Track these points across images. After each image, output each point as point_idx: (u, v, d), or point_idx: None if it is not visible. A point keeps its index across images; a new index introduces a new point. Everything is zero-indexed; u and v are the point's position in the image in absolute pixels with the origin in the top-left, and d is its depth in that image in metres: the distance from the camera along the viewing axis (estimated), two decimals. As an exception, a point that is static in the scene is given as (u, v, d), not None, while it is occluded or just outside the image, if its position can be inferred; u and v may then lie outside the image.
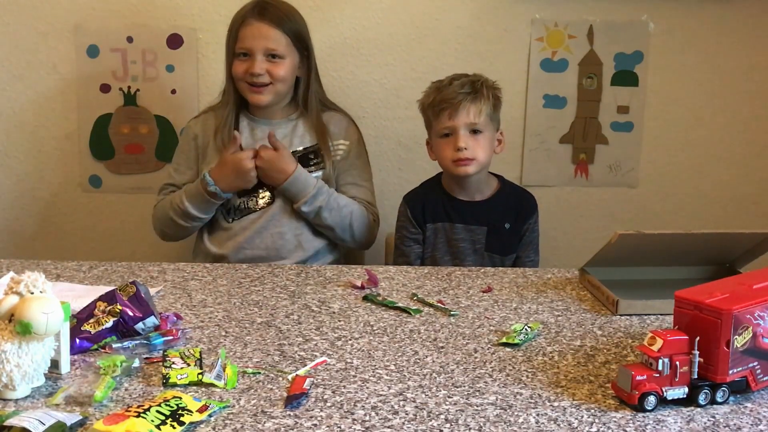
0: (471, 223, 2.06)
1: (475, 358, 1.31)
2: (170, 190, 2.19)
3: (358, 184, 2.19)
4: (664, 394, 1.12)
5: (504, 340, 1.37)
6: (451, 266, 2.06)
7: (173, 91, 2.45)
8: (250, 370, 1.24)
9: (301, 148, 2.15)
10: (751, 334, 1.14)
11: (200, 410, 1.07)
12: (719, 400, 1.14)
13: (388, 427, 1.07)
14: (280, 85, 2.10)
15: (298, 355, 1.30)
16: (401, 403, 1.14)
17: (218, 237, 2.16)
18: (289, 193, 2.09)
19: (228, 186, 2.07)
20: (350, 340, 1.37)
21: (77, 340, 1.29)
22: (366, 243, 2.19)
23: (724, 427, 1.09)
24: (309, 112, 2.17)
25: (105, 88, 2.44)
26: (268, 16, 2.07)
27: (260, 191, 2.13)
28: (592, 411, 1.13)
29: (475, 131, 2.00)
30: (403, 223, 2.11)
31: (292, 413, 1.10)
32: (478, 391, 1.18)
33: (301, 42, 2.12)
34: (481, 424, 1.08)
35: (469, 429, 1.07)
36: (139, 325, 1.33)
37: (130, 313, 1.33)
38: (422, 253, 2.10)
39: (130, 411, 1.02)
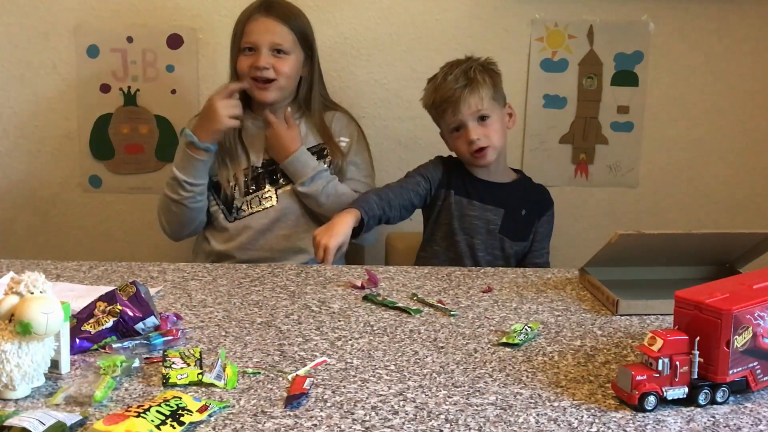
0: (488, 203, 2.07)
1: (475, 358, 1.31)
2: None
3: (358, 180, 2.19)
4: (664, 394, 1.12)
5: (504, 340, 1.37)
6: (464, 243, 2.07)
7: (173, 91, 2.45)
8: (250, 370, 1.23)
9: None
10: (751, 334, 1.14)
11: (200, 410, 1.07)
12: (719, 400, 1.14)
13: (388, 427, 1.07)
14: (284, 80, 2.10)
15: (298, 355, 1.30)
16: (401, 403, 1.14)
17: (220, 236, 2.16)
18: (289, 172, 2.11)
19: (203, 132, 2.05)
20: (350, 340, 1.37)
21: (77, 340, 1.28)
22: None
23: (724, 427, 1.09)
24: (312, 113, 2.18)
25: (105, 88, 2.44)
26: (274, 12, 2.10)
27: (265, 191, 2.13)
28: (592, 411, 1.13)
29: (482, 117, 2.01)
30: (426, 166, 2.12)
31: (292, 413, 1.10)
32: (478, 391, 1.18)
33: (306, 42, 2.14)
34: (481, 424, 1.08)
35: (469, 429, 1.07)
36: (139, 325, 1.33)
37: (130, 313, 1.33)
38: (426, 196, 2.08)
39: (130, 411, 1.02)
